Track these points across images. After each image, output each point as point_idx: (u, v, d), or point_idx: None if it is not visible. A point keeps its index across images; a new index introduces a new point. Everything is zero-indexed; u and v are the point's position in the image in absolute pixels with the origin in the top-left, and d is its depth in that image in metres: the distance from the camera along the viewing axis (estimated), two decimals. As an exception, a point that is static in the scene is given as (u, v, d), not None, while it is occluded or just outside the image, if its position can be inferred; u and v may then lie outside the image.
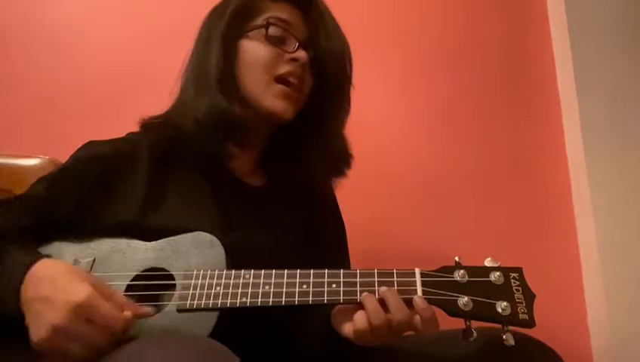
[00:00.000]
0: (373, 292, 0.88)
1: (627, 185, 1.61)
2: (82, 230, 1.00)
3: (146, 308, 0.87)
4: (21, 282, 0.83)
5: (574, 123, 1.66)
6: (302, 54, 1.10)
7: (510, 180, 1.71)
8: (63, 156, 1.14)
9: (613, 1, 1.72)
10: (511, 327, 0.86)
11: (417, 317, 0.87)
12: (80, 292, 0.79)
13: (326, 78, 1.15)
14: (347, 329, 0.91)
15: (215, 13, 1.16)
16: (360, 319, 0.87)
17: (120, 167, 1.06)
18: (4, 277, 0.84)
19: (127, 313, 0.83)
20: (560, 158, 1.72)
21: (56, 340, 0.78)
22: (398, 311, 0.86)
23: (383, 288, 0.88)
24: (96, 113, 1.67)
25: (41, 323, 0.78)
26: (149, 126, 1.15)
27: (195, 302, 0.89)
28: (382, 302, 0.87)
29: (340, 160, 1.21)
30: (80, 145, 1.11)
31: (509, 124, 1.75)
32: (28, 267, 0.84)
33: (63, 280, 0.82)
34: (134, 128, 1.16)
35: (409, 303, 0.87)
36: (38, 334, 0.79)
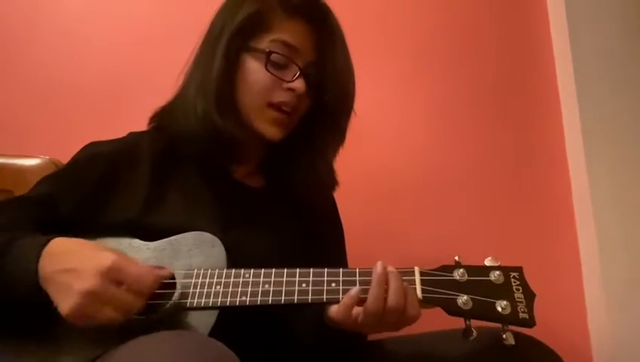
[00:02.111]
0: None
1: (627, 185, 1.61)
2: (85, 230, 1.00)
3: (164, 270, 0.91)
4: (38, 259, 0.84)
5: (574, 123, 1.66)
6: (299, 85, 1.09)
7: (510, 180, 1.71)
8: (63, 156, 1.14)
9: (614, 1, 1.72)
10: (511, 327, 0.86)
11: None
12: (107, 257, 0.82)
13: (326, 105, 1.14)
14: (334, 308, 0.90)
15: (229, 10, 1.14)
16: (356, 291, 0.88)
17: (122, 167, 1.07)
18: (20, 258, 0.85)
19: (156, 272, 0.87)
20: (560, 158, 1.72)
21: (89, 306, 0.80)
22: (395, 292, 0.86)
23: (390, 268, 0.88)
24: (96, 113, 1.67)
25: (71, 293, 0.80)
26: (156, 118, 1.16)
27: (195, 300, 0.89)
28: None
29: (326, 185, 1.21)
30: (80, 145, 1.12)
31: (508, 124, 1.75)
32: (43, 246, 0.85)
33: (84, 250, 0.85)
34: (135, 127, 1.17)
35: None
36: (69, 303, 0.80)
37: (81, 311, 0.80)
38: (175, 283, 0.92)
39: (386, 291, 0.86)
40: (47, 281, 0.83)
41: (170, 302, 0.90)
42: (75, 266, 0.81)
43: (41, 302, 0.84)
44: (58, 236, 0.88)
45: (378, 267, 0.88)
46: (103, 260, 0.81)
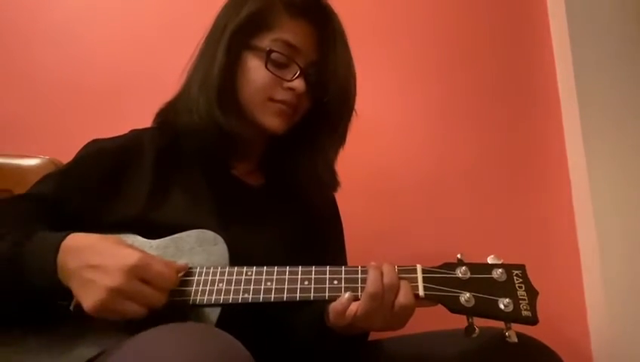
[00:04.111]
0: None
1: (627, 185, 1.61)
2: (88, 227, 0.99)
3: (182, 263, 0.92)
4: (57, 253, 0.84)
5: (574, 122, 1.67)
6: (299, 84, 1.09)
7: (510, 180, 1.71)
8: (63, 156, 1.14)
9: (614, 1, 1.72)
10: (513, 325, 0.86)
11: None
12: (131, 255, 0.84)
13: (326, 105, 1.14)
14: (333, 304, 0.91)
15: (233, 7, 1.14)
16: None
17: (124, 164, 1.07)
18: (38, 251, 0.86)
19: (177, 266, 0.89)
20: (560, 158, 1.72)
21: (113, 302, 0.81)
22: (389, 272, 0.88)
23: (384, 265, 0.90)
24: (96, 113, 1.67)
25: (96, 289, 0.81)
26: (162, 113, 1.17)
27: (198, 298, 0.89)
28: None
29: (327, 186, 1.21)
30: (80, 145, 1.12)
31: (509, 123, 1.75)
32: (61, 240, 0.86)
33: (107, 247, 0.86)
34: (135, 126, 1.17)
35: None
36: (94, 298, 0.81)
37: (105, 307, 0.81)
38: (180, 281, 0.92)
39: (382, 274, 0.88)
40: (69, 276, 0.84)
41: (173, 299, 0.89)
42: (100, 263, 0.82)
43: (54, 295, 0.86)
44: (71, 231, 0.89)
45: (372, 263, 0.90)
46: (129, 257, 0.83)
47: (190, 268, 0.93)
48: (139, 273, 0.83)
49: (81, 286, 0.83)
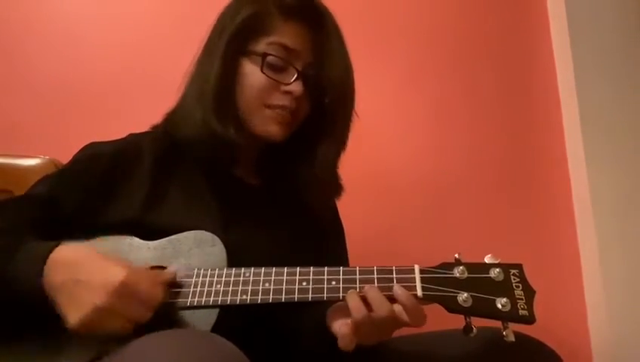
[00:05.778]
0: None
1: (627, 185, 1.61)
2: (85, 229, 1.00)
3: (170, 271, 0.93)
4: (43, 266, 0.84)
5: (574, 122, 1.67)
6: (297, 88, 1.08)
7: (510, 180, 1.71)
8: (63, 156, 1.14)
9: (614, 1, 1.72)
10: (511, 324, 0.86)
11: (401, 308, 0.86)
12: (118, 273, 0.83)
13: (326, 107, 1.13)
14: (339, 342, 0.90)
15: (228, 15, 1.14)
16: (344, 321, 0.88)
17: (122, 167, 1.07)
18: (25, 262, 0.86)
19: (164, 278, 0.90)
20: (560, 158, 1.72)
21: (98, 319, 0.81)
22: (379, 308, 0.86)
23: (365, 286, 0.88)
24: (96, 113, 1.67)
25: (81, 305, 0.81)
26: (161, 125, 1.16)
27: (196, 299, 0.89)
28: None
29: (330, 190, 1.20)
30: (80, 145, 1.12)
31: (508, 123, 1.75)
32: (49, 252, 0.85)
33: (95, 263, 0.85)
34: (135, 127, 1.16)
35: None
36: (78, 315, 0.81)
37: (89, 324, 0.81)
38: (177, 283, 0.92)
39: (370, 308, 0.86)
40: (55, 290, 0.83)
41: (171, 300, 0.90)
42: (86, 278, 0.82)
43: (41, 306, 0.84)
44: (62, 242, 0.88)
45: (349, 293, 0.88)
46: (115, 276, 0.82)
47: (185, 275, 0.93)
48: (125, 291, 0.82)
49: (66, 302, 0.82)
